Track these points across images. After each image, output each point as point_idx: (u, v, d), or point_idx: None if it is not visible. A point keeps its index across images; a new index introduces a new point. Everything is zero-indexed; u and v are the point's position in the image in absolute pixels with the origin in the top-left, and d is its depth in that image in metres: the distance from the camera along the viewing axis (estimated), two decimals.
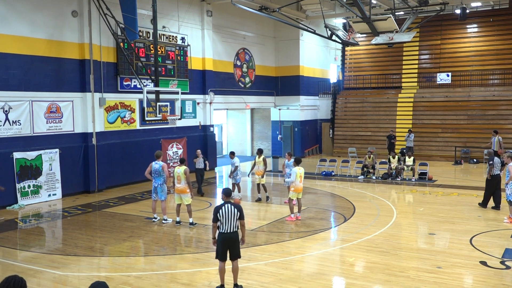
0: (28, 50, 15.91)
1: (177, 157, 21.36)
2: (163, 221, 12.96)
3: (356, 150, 27.59)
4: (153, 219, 13.19)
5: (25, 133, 15.88)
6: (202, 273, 9.13)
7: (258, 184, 16.06)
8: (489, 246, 10.47)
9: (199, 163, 16.96)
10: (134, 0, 17.08)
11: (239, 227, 8.05)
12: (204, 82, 23.40)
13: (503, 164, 14.14)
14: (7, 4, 15.32)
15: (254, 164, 16.02)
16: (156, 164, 12.95)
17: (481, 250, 10.21)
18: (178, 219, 12.78)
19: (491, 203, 14.38)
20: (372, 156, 21.03)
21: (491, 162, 14.16)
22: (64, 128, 17.10)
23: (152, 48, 19.34)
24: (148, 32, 19.72)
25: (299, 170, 13.05)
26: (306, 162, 25.46)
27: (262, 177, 15.89)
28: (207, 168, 17.31)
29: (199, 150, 17.37)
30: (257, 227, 12.58)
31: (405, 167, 20.19)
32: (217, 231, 8.04)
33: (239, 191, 16.45)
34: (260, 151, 16.20)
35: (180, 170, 12.55)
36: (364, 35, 27.53)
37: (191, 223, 12.57)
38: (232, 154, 16.68)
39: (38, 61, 16.24)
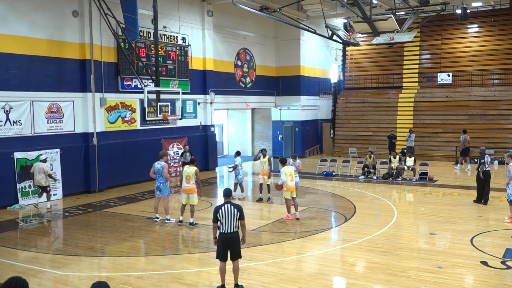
0: (29, 50, 15.91)
1: (178, 157, 21.39)
2: (166, 221, 12.97)
3: (356, 150, 27.57)
4: (155, 219, 13.19)
5: (26, 133, 15.89)
6: (203, 273, 9.14)
7: (261, 185, 16.06)
8: (490, 246, 10.47)
9: (186, 157, 18.47)
10: (135, 0, 17.08)
11: (240, 227, 8.05)
12: (205, 82, 23.40)
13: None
14: (8, 4, 15.33)
15: (258, 159, 16.14)
16: (158, 164, 13.01)
17: (482, 250, 10.21)
18: (181, 218, 12.79)
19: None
20: (372, 156, 21.03)
21: (482, 160, 14.86)
22: (64, 128, 17.11)
23: (152, 48, 19.35)
24: (149, 32, 19.72)
25: (287, 169, 13.07)
26: (306, 162, 25.46)
27: (269, 177, 15.91)
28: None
29: (187, 146, 19.71)
30: (258, 227, 12.59)
31: (405, 167, 20.18)
32: (218, 231, 8.05)
33: (242, 191, 16.45)
34: (264, 151, 16.19)
35: (191, 170, 12.50)
36: (365, 35, 27.54)
37: (191, 223, 12.58)
38: (237, 153, 16.70)
39: (39, 61, 16.25)
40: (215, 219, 7.97)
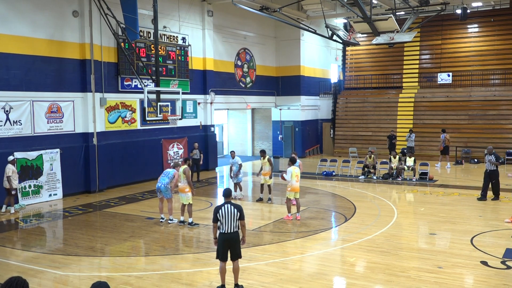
0: (29, 50, 15.92)
1: (178, 157, 21.43)
2: (169, 221, 12.99)
3: (356, 150, 27.58)
4: (161, 220, 13.19)
5: (26, 133, 15.89)
6: (203, 273, 9.14)
7: (263, 185, 16.05)
8: (490, 246, 10.46)
9: (196, 154, 19.70)
10: (135, 0, 17.08)
11: (240, 227, 8.05)
12: (205, 82, 23.40)
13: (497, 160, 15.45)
14: (8, 4, 15.33)
15: (262, 166, 15.94)
16: (171, 169, 13.24)
17: (482, 250, 10.21)
18: (182, 218, 12.82)
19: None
20: (372, 156, 21.02)
21: (492, 159, 15.34)
22: (65, 128, 17.12)
23: (153, 48, 19.35)
24: (149, 32, 19.72)
25: (294, 170, 13.05)
26: (307, 162, 25.46)
27: (270, 178, 15.87)
28: (201, 160, 20.27)
29: (196, 144, 20.28)
30: (258, 227, 12.59)
31: (405, 167, 20.18)
32: (218, 231, 8.06)
33: (240, 190, 16.46)
34: (263, 152, 16.15)
35: (181, 169, 12.68)
36: (365, 35, 27.56)
37: (190, 223, 12.60)
38: (232, 153, 16.70)
39: (39, 61, 16.25)
40: (215, 219, 7.97)
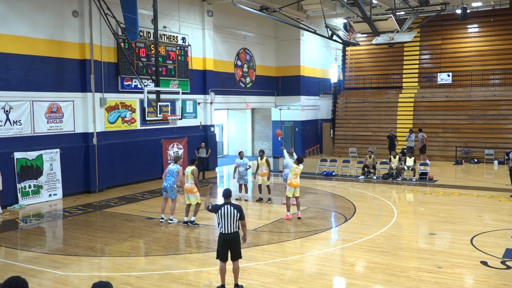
0: (29, 50, 15.91)
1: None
2: (169, 221, 12.97)
3: (356, 150, 27.57)
4: (161, 220, 13.18)
5: (26, 133, 15.88)
6: (203, 273, 9.14)
7: (260, 185, 16.04)
8: (490, 246, 10.46)
9: (203, 152, 20.30)
10: (135, 0, 17.08)
11: (240, 227, 8.06)
12: (205, 82, 23.40)
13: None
14: (8, 4, 15.33)
15: (258, 166, 16.03)
16: (173, 166, 13.11)
17: (481, 250, 10.21)
18: (186, 219, 12.76)
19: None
20: (372, 156, 21.02)
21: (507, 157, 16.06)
22: (64, 128, 17.11)
23: (152, 48, 19.34)
24: (149, 32, 19.72)
25: (295, 168, 13.05)
26: (307, 162, 25.39)
27: (268, 178, 15.88)
28: (208, 156, 20.96)
29: (203, 143, 20.90)
30: (258, 227, 12.58)
31: (405, 167, 20.18)
32: (218, 232, 8.07)
33: (246, 192, 16.38)
34: (262, 153, 16.18)
35: (189, 169, 12.64)
36: (365, 35, 27.55)
37: (191, 222, 12.59)
38: (241, 153, 16.62)
39: (39, 61, 16.25)
40: (213, 211, 8.02)
